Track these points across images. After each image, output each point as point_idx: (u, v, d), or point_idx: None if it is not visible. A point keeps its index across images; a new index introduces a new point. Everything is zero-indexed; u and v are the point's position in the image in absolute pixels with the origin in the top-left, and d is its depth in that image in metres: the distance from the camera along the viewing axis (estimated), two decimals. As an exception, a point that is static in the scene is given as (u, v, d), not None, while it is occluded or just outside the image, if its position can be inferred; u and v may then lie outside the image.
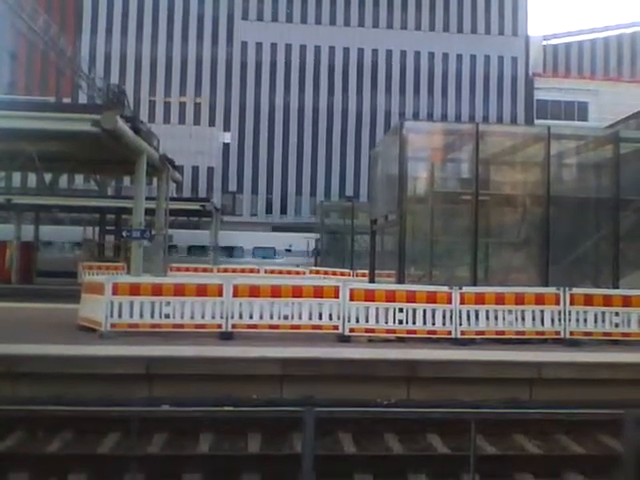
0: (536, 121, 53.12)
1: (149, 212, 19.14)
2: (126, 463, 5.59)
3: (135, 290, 11.02)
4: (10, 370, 8.65)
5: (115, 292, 10.92)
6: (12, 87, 53.98)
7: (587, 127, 44.06)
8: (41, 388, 8.40)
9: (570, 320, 11.43)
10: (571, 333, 11.41)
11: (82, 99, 43.57)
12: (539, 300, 11.44)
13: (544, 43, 63.31)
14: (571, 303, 11.44)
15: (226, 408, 7.73)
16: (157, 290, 11.06)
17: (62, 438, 7.16)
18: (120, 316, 10.89)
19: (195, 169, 54.36)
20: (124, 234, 21.09)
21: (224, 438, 7.31)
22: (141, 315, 10.89)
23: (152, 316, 10.92)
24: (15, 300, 17.52)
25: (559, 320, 11.42)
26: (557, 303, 11.43)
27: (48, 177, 27.47)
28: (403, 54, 58.09)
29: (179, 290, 11.06)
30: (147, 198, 17.22)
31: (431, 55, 58.22)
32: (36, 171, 23.29)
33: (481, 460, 6.08)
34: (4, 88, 52.97)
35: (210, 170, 55.81)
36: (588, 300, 11.55)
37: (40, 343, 9.75)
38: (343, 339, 11.00)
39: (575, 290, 11.55)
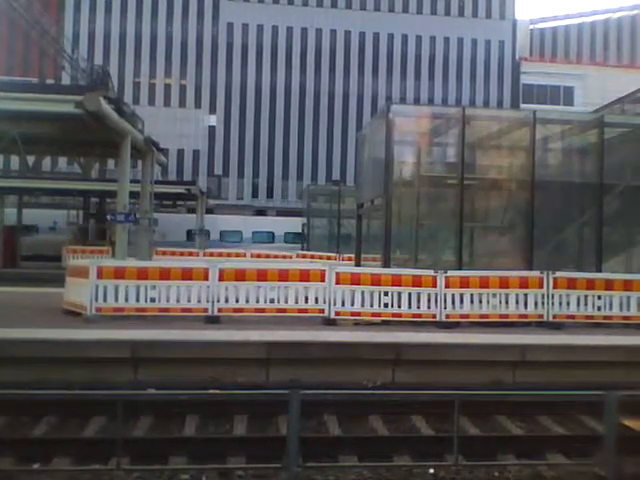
0: (522, 105, 53.21)
1: (134, 195, 18.98)
2: (112, 446, 5.60)
3: (120, 274, 10.96)
4: (-6, 354, 8.59)
5: (100, 276, 10.85)
6: (-7, 68, 53.01)
7: (573, 112, 44.21)
8: (26, 372, 8.35)
9: (553, 303, 11.55)
10: (554, 316, 11.54)
11: (65, 80, 42.90)
12: (523, 284, 11.54)
13: (531, 27, 63.22)
14: (554, 286, 11.56)
15: (212, 391, 7.75)
16: (142, 274, 11.00)
17: (47, 422, 7.15)
18: (105, 300, 10.83)
19: (180, 152, 53.94)
20: (108, 217, 20.96)
21: (210, 421, 7.35)
22: (126, 299, 10.85)
23: (137, 300, 10.87)
24: (-1, 284, 17.38)
25: (542, 303, 11.53)
26: (541, 286, 11.54)
27: (31, 160, 27.16)
28: (390, 37, 57.79)
29: (164, 274, 11.02)
30: (132, 181, 17.08)
31: (418, 38, 57.98)
32: (19, 153, 23.00)
33: (464, 441, 6.17)
34: (-15, 69, 52.05)
35: (196, 153, 55.41)
36: (571, 283, 11.67)
37: (25, 327, 9.69)
38: (329, 322, 11.05)
39: (558, 274, 11.66)
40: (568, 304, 11.63)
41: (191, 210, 35.63)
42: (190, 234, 33.06)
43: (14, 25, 43.92)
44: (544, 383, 8.82)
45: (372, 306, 11.16)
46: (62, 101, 13.46)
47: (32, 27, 36.88)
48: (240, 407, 7.49)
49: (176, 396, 7.00)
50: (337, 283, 11.15)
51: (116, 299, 10.84)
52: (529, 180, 13.38)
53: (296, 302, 11.16)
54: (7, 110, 13.68)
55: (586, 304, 11.65)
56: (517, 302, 11.48)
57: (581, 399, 7.70)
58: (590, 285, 11.71)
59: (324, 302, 11.14)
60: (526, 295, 11.53)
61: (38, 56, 48.44)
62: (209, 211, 36.39)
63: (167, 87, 56.00)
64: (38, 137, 17.09)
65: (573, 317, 11.63)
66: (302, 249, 30.95)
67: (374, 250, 14.98)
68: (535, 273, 11.78)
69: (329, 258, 25.29)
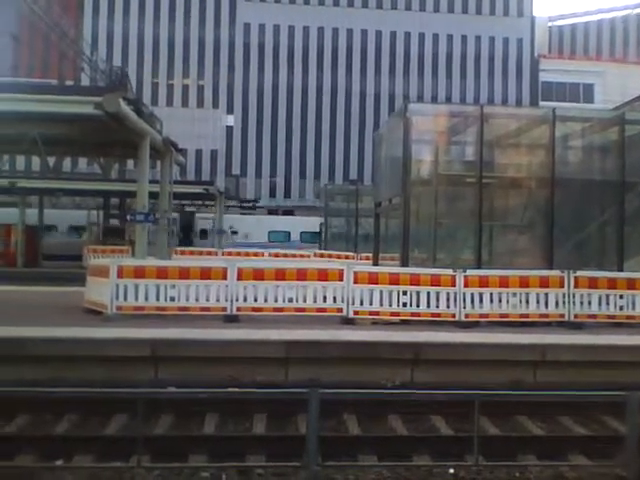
0: (541, 103, 52.67)
1: (153, 195, 19.10)
2: (132, 444, 5.64)
3: (140, 273, 11.05)
4: (16, 353, 8.70)
5: (120, 275, 10.95)
6: (15, 70, 53.73)
7: (593, 109, 43.70)
8: (47, 370, 8.45)
9: (574, 303, 11.43)
10: (575, 316, 11.41)
11: (85, 81, 43.35)
12: (543, 283, 11.43)
13: (549, 24, 62.59)
14: (575, 286, 11.43)
15: (231, 390, 7.77)
16: (162, 273, 11.09)
17: (69, 420, 7.23)
18: (125, 299, 10.93)
19: (198, 152, 54.24)
20: (128, 217, 21.11)
21: (229, 420, 7.38)
22: (146, 298, 10.93)
23: (157, 299, 10.96)
24: (21, 283, 17.60)
25: (563, 303, 11.42)
26: (561, 286, 11.42)
27: (52, 161, 27.48)
28: (408, 35, 57.58)
29: (184, 273, 11.09)
30: (151, 181, 17.18)
31: (435, 36, 57.71)
32: (40, 154, 23.27)
33: (484, 441, 6.12)
34: (7, 71, 52.75)
35: (213, 153, 55.68)
36: (592, 283, 11.54)
37: (46, 326, 9.80)
38: (347, 322, 11.03)
39: (580, 273, 11.53)
40: (589, 303, 11.50)
41: (272, 212, 36.48)
42: (270, 234, 33.66)
43: (34, 28, 44.48)
44: (565, 383, 8.72)
45: (390, 305, 11.13)
46: (82, 102, 13.57)
47: (52, 29, 37.29)
48: (259, 406, 7.51)
49: (196, 394, 7.03)
50: (355, 282, 11.14)
51: (136, 298, 10.93)
52: (549, 178, 13.24)
53: (314, 301, 11.17)
54: (28, 112, 13.83)
55: (608, 303, 11.51)
56: (537, 301, 11.38)
57: (603, 399, 7.60)
58: (612, 284, 11.57)
59: (342, 301, 11.13)
60: (547, 294, 11.42)
61: (58, 58, 48.99)
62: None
63: (185, 88, 56.36)
64: (58, 138, 17.25)
65: (595, 317, 11.50)
66: (319, 248, 30.96)
67: (392, 249, 14.92)
68: (556, 272, 11.67)
69: (347, 257, 25.27)
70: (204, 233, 35.07)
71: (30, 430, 6.96)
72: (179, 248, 25.40)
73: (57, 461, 6.00)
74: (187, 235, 34.91)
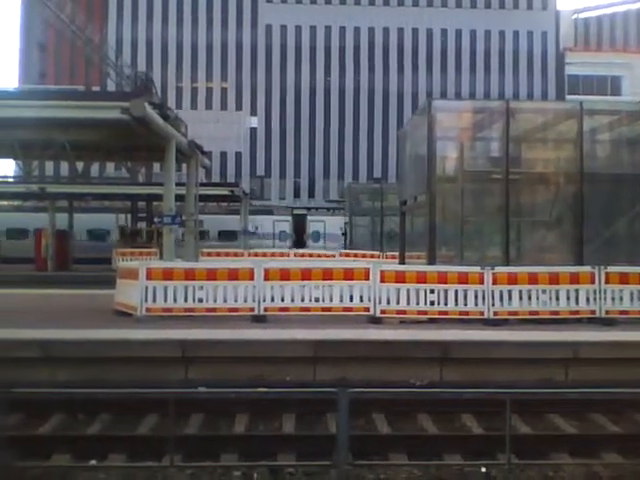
0: (568, 97, 51.94)
1: (179, 198, 19.30)
2: (164, 444, 5.71)
3: (168, 275, 11.18)
4: (49, 354, 8.87)
5: (149, 277, 11.09)
6: (42, 77, 54.75)
7: (621, 102, 42.91)
8: (79, 372, 8.60)
9: (605, 299, 11.25)
10: (607, 312, 11.23)
11: (110, 87, 43.99)
12: (574, 279, 11.26)
13: (574, 16, 61.68)
14: (606, 282, 11.25)
15: (261, 390, 7.82)
16: (190, 275, 11.20)
17: (101, 420, 7.34)
18: (155, 301, 11.06)
19: (223, 154, 54.63)
20: (156, 220, 21.34)
21: (259, 419, 7.42)
22: (175, 299, 11.05)
23: (186, 300, 11.08)
24: (52, 287, 17.92)
25: (594, 299, 11.25)
26: (592, 282, 11.25)
27: (80, 166, 27.90)
28: (429, 32, 57.25)
29: (211, 274, 11.19)
30: (177, 184, 17.34)
31: (458, 32, 57.26)
32: (68, 160, 23.64)
33: (516, 440, 6.06)
34: (35, 78, 53.75)
35: (238, 155, 56.05)
36: (624, 278, 11.34)
37: (78, 328, 9.97)
38: (374, 321, 11.01)
39: (610, 269, 11.35)
40: (621, 299, 11.31)
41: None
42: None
43: (61, 36, 45.24)
44: (598, 381, 8.58)
45: (418, 304, 11.08)
46: (109, 107, 13.73)
47: (77, 36, 37.88)
48: (289, 405, 7.53)
49: (226, 394, 7.08)
50: (382, 281, 11.11)
51: (165, 299, 11.06)
52: (577, 173, 13.04)
53: (341, 301, 11.17)
54: (57, 118, 14.05)
55: (640, 299, 11.30)
56: (568, 298, 11.22)
57: (636, 397, 7.46)
58: (644, 280, 11.35)
59: (369, 300, 11.11)
60: (577, 291, 11.26)
61: (84, 65, 49.77)
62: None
63: (209, 90, 56.84)
64: (86, 143, 17.49)
65: (627, 313, 11.30)
66: (345, 248, 30.93)
67: (418, 247, 14.84)
68: (586, 268, 11.49)
69: (372, 257, 25.19)
70: (317, 235, 35.53)
71: (64, 430, 7.08)
72: (206, 250, 25.54)
73: (91, 461, 6.09)
74: (300, 237, 35.84)
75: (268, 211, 40.15)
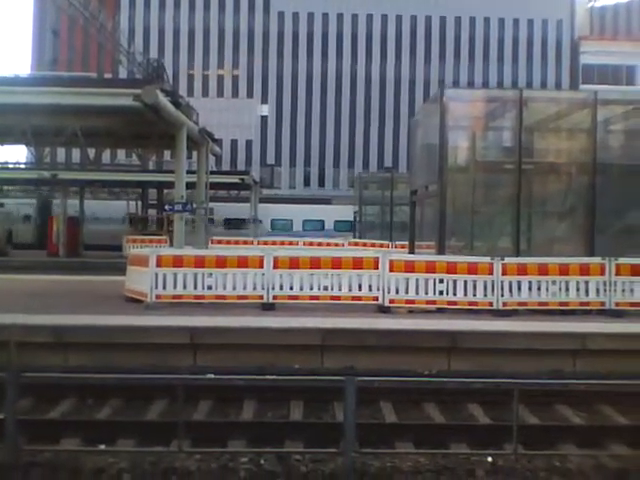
0: (582, 86, 51.35)
1: (190, 185, 19.34)
2: (173, 429, 5.76)
3: (178, 262, 11.23)
4: (61, 340, 8.96)
5: (159, 264, 11.15)
6: (55, 64, 54.84)
7: (636, 91, 42.39)
8: (90, 357, 8.69)
9: (615, 291, 11.19)
10: (616, 304, 11.17)
11: (122, 74, 44.04)
12: (584, 270, 11.20)
13: (590, 5, 60.79)
14: (617, 273, 11.18)
15: (269, 377, 7.85)
16: (200, 262, 11.25)
17: (111, 405, 7.42)
18: (164, 287, 11.12)
19: (234, 142, 54.60)
20: (166, 208, 21.44)
21: (267, 406, 7.46)
22: (184, 286, 11.11)
23: (195, 287, 11.13)
24: (63, 273, 18.08)
25: (604, 291, 11.19)
26: (602, 273, 11.18)
27: (91, 152, 28.02)
28: (443, 20, 56.74)
29: (221, 262, 11.23)
30: (188, 172, 17.38)
31: (472, 20, 56.70)
32: (80, 147, 23.75)
33: (523, 430, 6.06)
34: (47, 65, 53.87)
35: (248, 143, 56.00)
36: (635, 270, 11.26)
37: (89, 314, 10.06)
38: (383, 310, 11.02)
39: (621, 260, 11.27)
40: (632, 291, 11.24)
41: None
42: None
43: (73, 22, 45.23)
44: (606, 372, 8.56)
45: (427, 294, 11.08)
46: (120, 94, 13.76)
47: (90, 23, 37.83)
48: (296, 393, 7.57)
49: (234, 381, 7.13)
50: (391, 271, 11.10)
51: (175, 287, 11.11)
52: (590, 163, 12.93)
53: (349, 290, 11.19)
54: (69, 105, 14.10)
55: (651, 291, 11.22)
56: (577, 289, 11.17)
57: (645, 389, 7.44)
58: (656, 272, 11.27)
59: (378, 290, 11.12)
60: (587, 282, 11.20)
61: (96, 51, 49.77)
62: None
63: (220, 78, 56.75)
64: (98, 130, 17.57)
65: (637, 305, 11.23)
66: (354, 237, 30.91)
67: (428, 237, 14.80)
68: (596, 259, 11.43)
69: (381, 246, 25.17)
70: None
71: (74, 415, 7.16)
72: (215, 237, 25.62)
73: (100, 445, 6.16)
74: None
75: (326, 200, 40.16)
